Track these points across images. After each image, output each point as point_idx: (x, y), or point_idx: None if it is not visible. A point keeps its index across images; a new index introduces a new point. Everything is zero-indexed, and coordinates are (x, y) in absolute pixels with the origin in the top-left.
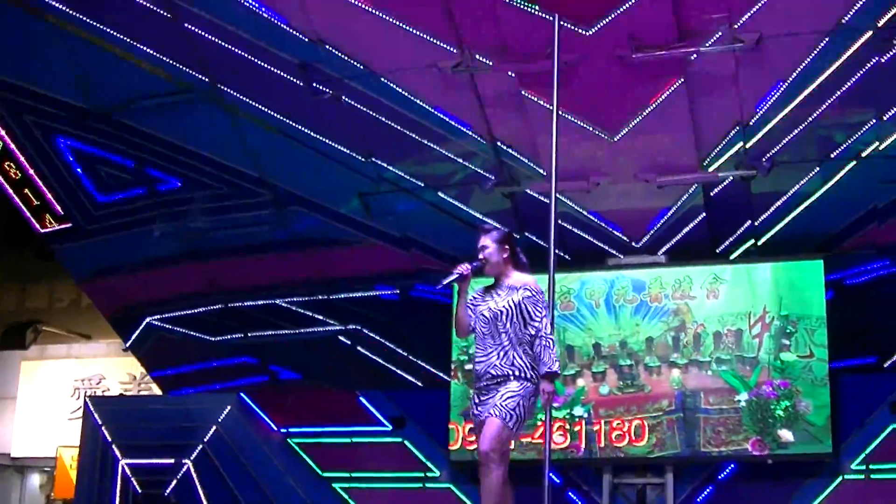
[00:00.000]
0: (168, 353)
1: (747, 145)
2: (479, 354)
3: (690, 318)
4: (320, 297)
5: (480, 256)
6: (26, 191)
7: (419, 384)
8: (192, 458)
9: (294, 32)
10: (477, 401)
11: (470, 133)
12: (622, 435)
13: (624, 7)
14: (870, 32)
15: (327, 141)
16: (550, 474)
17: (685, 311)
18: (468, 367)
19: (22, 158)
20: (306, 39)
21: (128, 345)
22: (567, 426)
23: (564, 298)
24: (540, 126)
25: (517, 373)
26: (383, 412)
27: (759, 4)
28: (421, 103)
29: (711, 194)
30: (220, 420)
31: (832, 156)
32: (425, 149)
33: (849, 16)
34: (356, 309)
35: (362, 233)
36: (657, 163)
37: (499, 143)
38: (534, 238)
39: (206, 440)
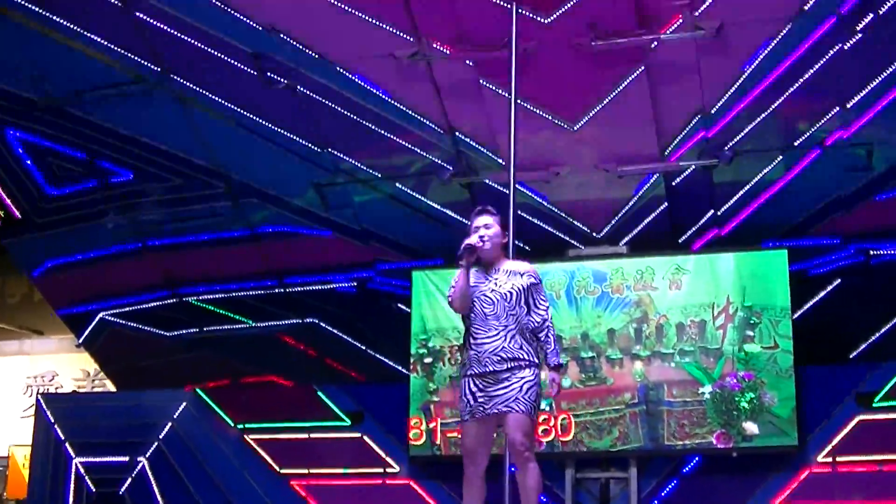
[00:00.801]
0: (122, 349)
1: (709, 134)
2: (481, 336)
3: (653, 310)
4: (277, 291)
5: (481, 236)
6: None
7: (378, 378)
8: (147, 455)
9: (247, 21)
10: (476, 389)
11: (427, 123)
12: (584, 428)
13: None
14: (833, 19)
15: (282, 131)
16: (511, 469)
17: (647, 303)
18: (427, 360)
19: None
20: (260, 28)
21: (81, 340)
22: None
23: None
24: (498, 115)
25: (529, 358)
26: (341, 407)
27: None
28: (377, 93)
29: (673, 184)
30: (175, 417)
31: (795, 144)
32: (382, 139)
33: (811, 2)
34: (313, 302)
35: (319, 225)
36: (618, 152)
37: (457, 133)
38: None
39: (161, 437)
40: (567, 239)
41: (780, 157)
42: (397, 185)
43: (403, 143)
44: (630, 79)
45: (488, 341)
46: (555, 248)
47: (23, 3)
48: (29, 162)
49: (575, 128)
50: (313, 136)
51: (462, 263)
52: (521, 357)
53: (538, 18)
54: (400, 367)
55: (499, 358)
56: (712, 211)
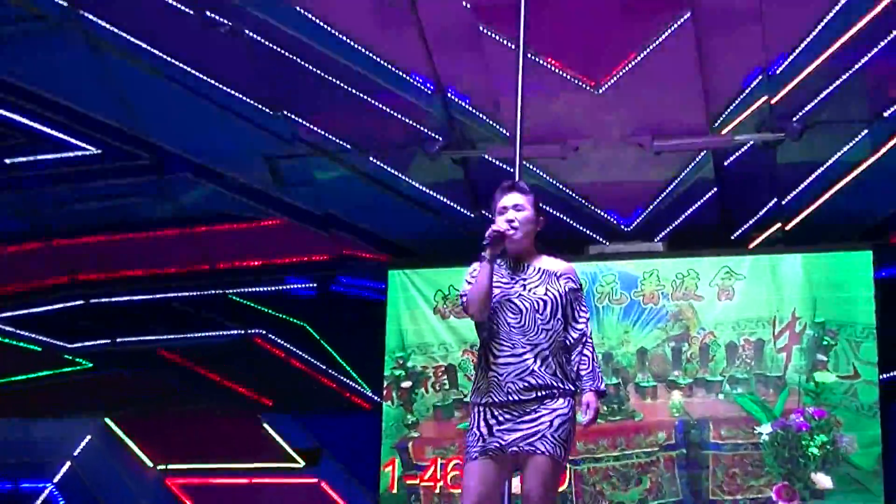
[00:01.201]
0: (9, 364)
1: (773, 100)
2: (504, 355)
3: (696, 325)
4: (214, 292)
5: (510, 220)
6: None
7: (341, 406)
8: (38, 502)
9: None
10: (493, 421)
11: (411, 81)
12: (606, 477)
13: None
14: None
15: (224, 88)
16: None
17: (689, 316)
18: (405, 384)
19: None
20: None
21: None
22: None
23: None
24: (502, 72)
25: (564, 387)
26: (294, 443)
27: None
28: (348, 41)
29: (725, 164)
30: (75, 454)
31: (885, 115)
32: (352, 100)
33: None
34: (261, 308)
35: (270, 208)
36: (654, 122)
37: (449, 95)
38: (492, 217)
39: (56, 480)
40: (587, 232)
41: (865, 131)
42: (371, 159)
43: (380, 105)
44: (672, 28)
45: (513, 362)
46: (571, 244)
47: None
48: None
49: (600, 90)
50: (264, 95)
51: (485, 255)
52: (555, 385)
53: None
54: (370, 393)
55: (525, 385)
56: (775, 199)
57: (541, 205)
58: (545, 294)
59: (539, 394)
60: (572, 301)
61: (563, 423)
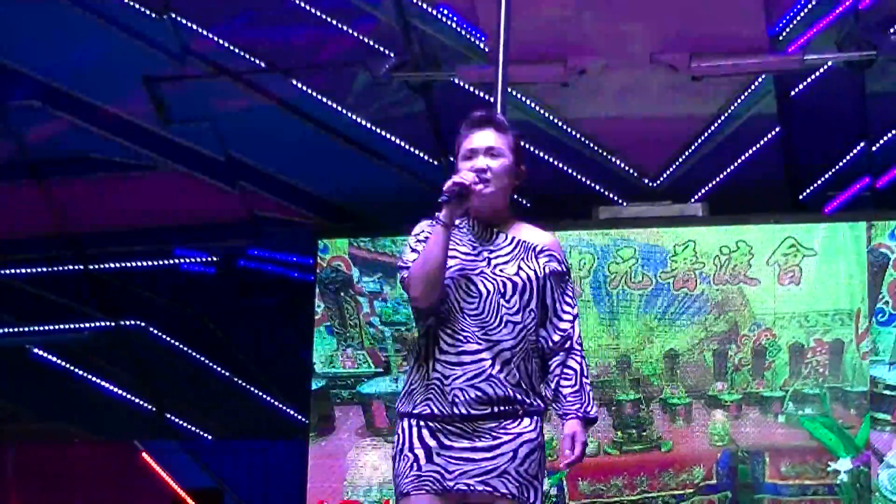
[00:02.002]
0: None
1: (862, 4)
2: (452, 350)
3: (748, 319)
4: (72, 268)
5: (480, 170)
6: None
7: (251, 430)
8: None
9: None
10: (433, 442)
11: None
12: None
13: None
14: None
15: None
16: None
17: (739, 306)
18: (346, 393)
19: None
20: None
21: None
22: None
23: None
24: None
25: (528, 401)
26: (184, 480)
27: None
28: None
29: (792, 93)
30: None
31: None
32: None
33: None
34: (139, 291)
35: (150, 151)
36: (693, 33)
37: None
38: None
39: None
40: (596, 189)
41: None
42: (294, 82)
43: (307, 6)
44: None
45: (464, 362)
46: (574, 205)
47: None
48: None
49: None
50: None
51: (441, 216)
52: (518, 399)
53: None
54: (290, 410)
55: (478, 396)
56: (862, 144)
57: (524, 146)
58: (516, 274)
59: (496, 409)
60: (554, 288)
61: (530, 452)
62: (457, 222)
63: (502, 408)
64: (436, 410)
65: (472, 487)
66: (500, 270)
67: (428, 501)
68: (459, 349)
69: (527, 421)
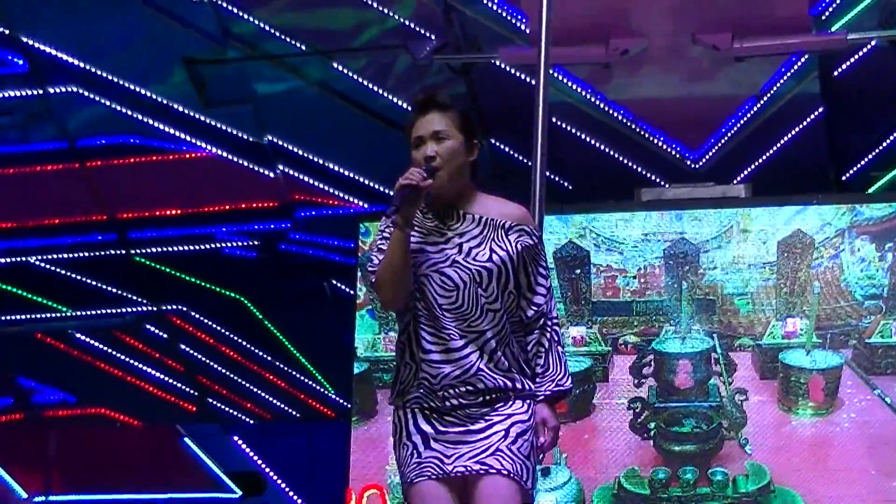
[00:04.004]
0: None
1: None
2: (436, 349)
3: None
4: (112, 253)
5: (427, 158)
6: None
7: (293, 414)
8: None
9: None
10: (429, 428)
11: None
12: None
13: None
14: None
15: None
16: None
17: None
18: (388, 377)
19: None
20: None
21: None
22: None
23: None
24: None
25: (520, 386)
26: (227, 465)
27: None
28: None
29: (836, 73)
30: None
31: None
32: None
33: None
34: (180, 275)
35: (192, 136)
36: (735, 13)
37: None
38: (506, 149)
39: None
40: (639, 170)
41: None
42: (335, 65)
43: None
44: None
45: (451, 359)
46: (616, 187)
47: None
48: None
49: None
50: None
51: (396, 219)
52: (510, 385)
53: None
54: (333, 395)
55: (471, 389)
56: None
57: (473, 119)
58: (489, 259)
59: (487, 398)
60: (528, 263)
61: (521, 433)
62: (420, 208)
63: (494, 396)
64: (428, 405)
65: (469, 468)
66: (474, 258)
67: (433, 487)
68: (444, 346)
69: (518, 403)
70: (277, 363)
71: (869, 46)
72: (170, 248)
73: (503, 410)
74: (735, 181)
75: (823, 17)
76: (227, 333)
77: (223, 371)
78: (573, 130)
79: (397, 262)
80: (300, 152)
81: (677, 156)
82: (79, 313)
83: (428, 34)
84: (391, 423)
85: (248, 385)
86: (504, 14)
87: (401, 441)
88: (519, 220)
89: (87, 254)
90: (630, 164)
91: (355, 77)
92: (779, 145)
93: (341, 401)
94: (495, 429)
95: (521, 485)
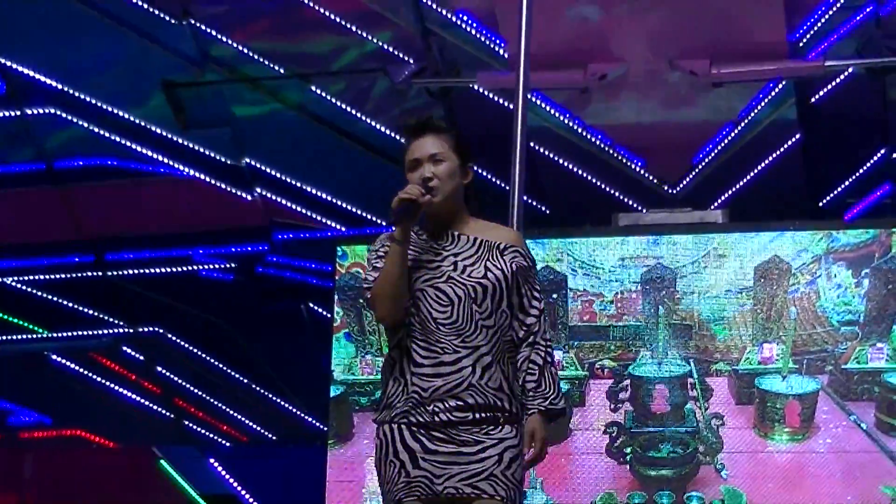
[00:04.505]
0: None
1: (883, 10)
2: (429, 362)
3: None
4: (90, 275)
5: (426, 179)
6: None
7: (269, 436)
8: None
9: None
10: (417, 446)
11: None
12: None
13: None
14: None
15: None
16: None
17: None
18: (364, 400)
19: None
20: None
21: None
22: None
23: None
24: None
25: (509, 407)
26: (203, 486)
27: None
28: None
29: (813, 100)
30: None
31: None
32: (288, 4)
33: None
34: (157, 296)
35: (169, 157)
36: (713, 39)
37: None
38: (484, 173)
39: None
40: (616, 195)
41: None
42: (313, 88)
43: (326, 12)
44: None
45: (444, 373)
46: (594, 212)
47: None
48: None
49: None
50: None
51: (394, 234)
52: (499, 405)
53: None
54: (311, 419)
55: (461, 404)
56: (883, 150)
57: (467, 143)
58: (485, 277)
59: (476, 416)
60: (521, 284)
61: (513, 458)
62: (414, 229)
63: (484, 414)
64: (417, 420)
65: (460, 490)
66: (469, 275)
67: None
68: (436, 360)
69: (508, 428)
70: (254, 386)
71: (846, 73)
72: (147, 270)
73: (494, 435)
74: (712, 207)
75: (801, 44)
76: (204, 356)
77: (200, 393)
78: (551, 155)
79: (395, 275)
80: (278, 175)
81: (655, 181)
82: (56, 335)
83: (407, 58)
84: (374, 440)
85: (224, 407)
86: (483, 38)
87: (387, 458)
88: (513, 242)
89: (64, 275)
90: (608, 188)
91: (334, 101)
92: (756, 171)
93: (318, 424)
94: (488, 453)
95: None
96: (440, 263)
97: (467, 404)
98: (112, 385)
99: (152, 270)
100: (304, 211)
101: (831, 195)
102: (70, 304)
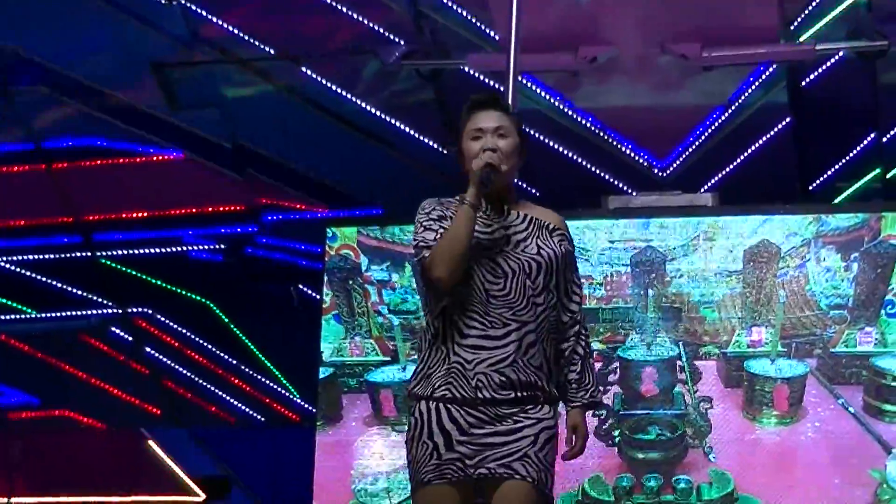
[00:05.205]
0: None
1: None
2: (475, 333)
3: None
4: (79, 255)
5: (491, 149)
6: None
7: (258, 418)
8: None
9: None
10: (453, 425)
11: None
12: None
13: None
14: None
15: None
16: None
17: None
18: (353, 382)
19: None
20: None
21: None
22: None
23: None
24: None
25: (549, 388)
26: (192, 468)
27: None
28: None
29: (804, 83)
30: None
31: None
32: None
33: None
34: (146, 278)
35: (159, 138)
36: (704, 23)
37: None
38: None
39: None
40: (607, 178)
41: None
42: (303, 69)
43: None
44: None
45: (489, 346)
46: (584, 194)
47: None
48: None
49: None
50: None
51: (469, 196)
52: (539, 384)
53: None
54: (300, 401)
55: (502, 381)
56: (873, 135)
57: (523, 128)
58: (538, 253)
59: (519, 394)
60: (567, 267)
61: (548, 439)
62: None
63: (525, 393)
64: (458, 394)
65: (492, 471)
66: (523, 250)
67: (448, 492)
68: (484, 333)
69: (547, 408)
70: (243, 367)
71: (837, 57)
72: (136, 251)
73: (533, 414)
74: (702, 190)
75: (792, 28)
76: (193, 337)
77: (188, 375)
78: (541, 138)
79: (462, 236)
80: (268, 156)
81: (644, 163)
82: (44, 315)
83: (397, 40)
84: (409, 417)
85: (213, 389)
86: (473, 20)
87: (420, 438)
88: (560, 225)
89: (52, 256)
90: (598, 171)
91: (324, 82)
92: (746, 155)
93: (306, 405)
94: (524, 433)
95: (543, 493)
96: (493, 237)
97: (510, 380)
98: (101, 366)
99: (141, 251)
100: (294, 192)
101: (821, 179)
102: (58, 285)
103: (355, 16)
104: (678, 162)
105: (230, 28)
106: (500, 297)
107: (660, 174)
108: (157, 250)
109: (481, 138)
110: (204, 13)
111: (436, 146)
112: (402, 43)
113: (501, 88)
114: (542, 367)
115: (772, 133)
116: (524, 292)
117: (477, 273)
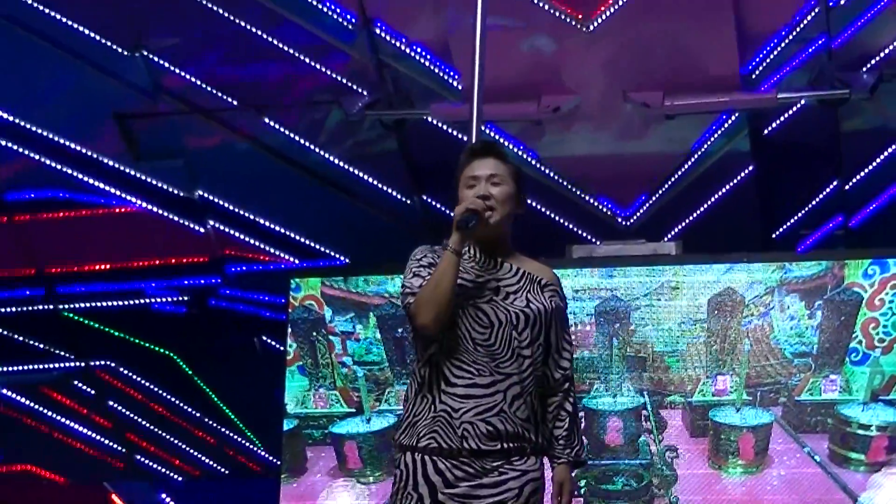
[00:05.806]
0: None
1: (835, 43)
2: (463, 381)
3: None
4: (40, 308)
5: (484, 196)
6: None
7: (222, 470)
8: None
9: None
10: (439, 477)
11: (325, 10)
12: None
13: None
14: None
15: (59, 17)
16: None
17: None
18: (318, 434)
19: None
20: None
21: None
22: None
23: None
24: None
25: (537, 439)
26: None
27: None
28: None
29: (766, 132)
30: None
31: None
32: (241, 36)
33: None
34: (109, 330)
35: (120, 189)
36: (666, 71)
37: (378, 31)
38: (437, 205)
39: None
40: (569, 227)
41: None
42: (266, 120)
43: (279, 44)
44: None
45: (476, 395)
46: (548, 244)
47: None
48: None
49: (590, 27)
50: (118, 27)
51: (451, 242)
52: (526, 436)
53: None
54: (263, 453)
55: (489, 431)
56: (836, 182)
57: (521, 176)
58: (527, 306)
59: (505, 446)
60: (558, 324)
61: (533, 492)
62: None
63: (512, 444)
64: (443, 444)
65: None
66: (512, 302)
67: None
68: (470, 381)
69: (532, 459)
70: (206, 419)
71: (798, 105)
72: (99, 304)
73: (518, 466)
74: (666, 238)
75: (753, 76)
76: (156, 389)
77: (152, 427)
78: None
79: (447, 283)
80: (231, 207)
81: (608, 212)
82: (5, 368)
83: (360, 90)
84: (394, 467)
85: (176, 441)
86: (437, 70)
87: (405, 490)
88: (552, 281)
89: (14, 308)
90: (561, 220)
91: (287, 132)
92: (709, 203)
93: (270, 457)
94: (509, 485)
95: None
96: (483, 286)
97: (497, 430)
98: (63, 420)
99: (104, 304)
100: (257, 243)
101: (785, 226)
102: (20, 338)
103: (318, 66)
104: (642, 210)
105: (192, 79)
106: (485, 346)
107: (623, 223)
108: (120, 303)
109: (476, 186)
110: (166, 64)
111: (399, 196)
112: (364, 93)
113: (465, 138)
114: (529, 419)
115: (735, 181)
116: (510, 343)
117: (464, 321)
